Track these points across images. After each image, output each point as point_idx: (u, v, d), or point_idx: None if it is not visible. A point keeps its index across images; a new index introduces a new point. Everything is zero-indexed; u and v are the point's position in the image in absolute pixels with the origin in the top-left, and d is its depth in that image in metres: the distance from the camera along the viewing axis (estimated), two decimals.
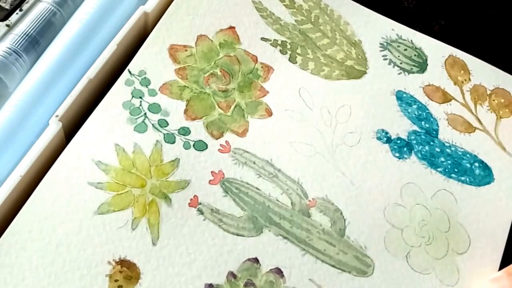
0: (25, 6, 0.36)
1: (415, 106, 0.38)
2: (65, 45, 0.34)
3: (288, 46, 0.39)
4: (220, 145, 0.34)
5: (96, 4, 0.36)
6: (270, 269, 0.32)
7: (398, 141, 0.37)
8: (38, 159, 0.30)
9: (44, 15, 0.35)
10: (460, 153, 0.37)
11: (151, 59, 0.36)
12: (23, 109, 0.32)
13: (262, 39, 0.38)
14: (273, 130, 0.35)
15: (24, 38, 0.34)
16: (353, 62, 0.39)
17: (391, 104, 0.38)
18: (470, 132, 0.38)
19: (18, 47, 0.34)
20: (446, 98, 0.39)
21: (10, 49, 0.34)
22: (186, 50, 0.36)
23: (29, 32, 0.34)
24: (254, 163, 0.34)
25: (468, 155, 0.37)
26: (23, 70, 0.34)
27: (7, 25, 0.35)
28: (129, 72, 0.35)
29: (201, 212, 0.32)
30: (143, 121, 0.34)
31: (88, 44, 0.35)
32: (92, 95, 0.34)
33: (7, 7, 0.35)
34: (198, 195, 0.33)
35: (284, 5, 0.40)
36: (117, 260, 0.30)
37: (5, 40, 0.34)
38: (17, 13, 0.35)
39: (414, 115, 0.38)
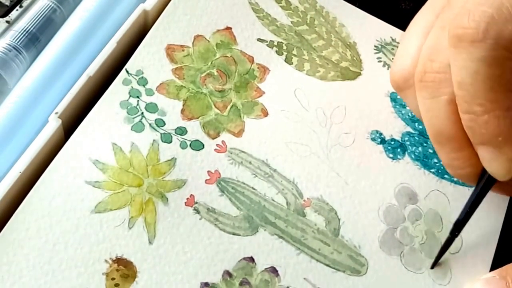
0: (25, 3, 0.36)
1: (408, 108, 0.39)
2: (65, 42, 0.34)
3: (284, 47, 0.39)
4: (217, 145, 0.35)
5: (96, 2, 0.36)
6: (266, 268, 0.32)
7: (392, 142, 0.37)
8: (37, 156, 0.31)
9: (44, 12, 0.35)
10: None
11: (149, 59, 0.36)
12: (23, 106, 0.32)
13: (259, 40, 0.39)
14: (269, 131, 0.36)
15: (24, 35, 0.34)
16: (348, 64, 0.39)
17: (385, 106, 0.38)
18: None
19: (18, 43, 0.34)
20: None
21: (10, 45, 0.34)
22: (183, 50, 0.37)
23: (29, 28, 0.34)
24: (250, 163, 0.34)
25: None
26: (23, 67, 0.34)
27: (7, 22, 0.35)
28: (127, 71, 0.35)
29: (197, 211, 0.32)
30: (140, 121, 0.34)
31: (88, 41, 0.35)
32: (92, 92, 0.34)
33: (7, 3, 0.36)
34: (194, 195, 0.33)
35: (281, 6, 0.40)
36: (114, 259, 0.30)
37: (5, 36, 0.34)
38: (17, 10, 0.35)
39: (408, 117, 0.38)
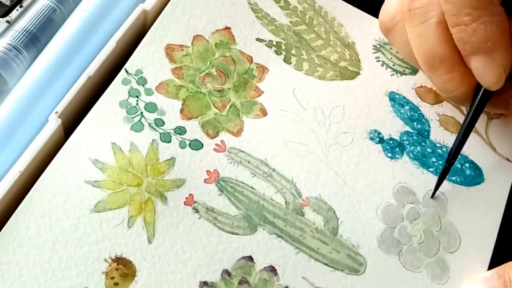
0: (25, 3, 0.36)
1: (407, 107, 0.39)
2: (65, 42, 0.34)
3: (283, 47, 0.39)
4: (216, 144, 0.35)
5: (96, 2, 0.36)
6: (264, 267, 0.32)
7: (391, 142, 0.37)
8: (37, 155, 0.31)
9: (44, 12, 0.35)
10: None
11: (148, 59, 0.36)
12: (23, 105, 0.32)
13: (257, 39, 0.39)
14: (268, 130, 0.36)
15: (24, 35, 0.34)
16: (346, 63, 0.39)
17: (383, 105, 0.38)
18: None
19: (18, 43, 0.34)
20: (438, 99, 0.39)
21: (10, 45, 0.34)
22: (182, 50, 0.37)
23: (29, 28, 0.34)
24: (249, 162, 0.35)
25: (459, 156, 0.38)
26: (23, 66, 0.34)
27: (7, 21, 0.35)
28: (126, 71, 0.35)
29: (196, 210, 0.32)
30: (139, 120, 0.34)
31: (87, 41, 0.35)
32: (92, 92, 0.34)
33: (8, 3, 0.36)
34: (193, 194, 0.33)
35: (279, 6, 0.40)
36: (114, 258, 0.30)
37: (5, 36, 0.34)
38: (17, 10, 0.35)
39: (406, 116, 0.38)
